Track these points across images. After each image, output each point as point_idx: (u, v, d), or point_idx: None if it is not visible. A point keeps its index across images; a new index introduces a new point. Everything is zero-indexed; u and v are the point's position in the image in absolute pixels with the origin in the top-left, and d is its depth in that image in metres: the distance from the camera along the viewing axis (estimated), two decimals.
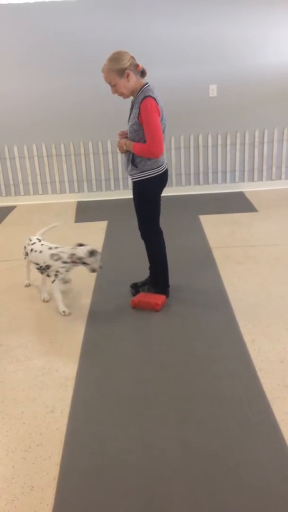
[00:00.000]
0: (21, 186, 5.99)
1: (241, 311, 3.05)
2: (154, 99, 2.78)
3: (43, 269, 3.15)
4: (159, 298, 3.15)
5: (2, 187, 5.98)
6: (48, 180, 5.96)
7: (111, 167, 5.90)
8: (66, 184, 5.98)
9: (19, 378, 2.52)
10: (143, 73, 2.89)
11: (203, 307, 3.13)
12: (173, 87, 5.56)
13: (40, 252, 3.18)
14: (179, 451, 1.96)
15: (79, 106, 5.64)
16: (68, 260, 3.07)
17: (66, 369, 2.57)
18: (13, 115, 5.68)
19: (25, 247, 3.35)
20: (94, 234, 4.67)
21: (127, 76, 2.79)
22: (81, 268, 3.86)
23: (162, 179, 3.01)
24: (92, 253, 3.06)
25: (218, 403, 2.23)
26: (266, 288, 3.33)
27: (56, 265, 3.08)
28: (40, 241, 3.30)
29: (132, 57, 2.82)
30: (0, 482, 1.87)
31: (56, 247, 3.17)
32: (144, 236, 3.11)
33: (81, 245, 3.13)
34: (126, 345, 2.76)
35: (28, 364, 2.64)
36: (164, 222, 3.14)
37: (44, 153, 5.84)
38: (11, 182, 5.96)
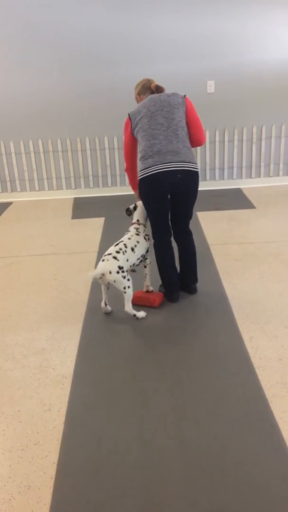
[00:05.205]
0: (17, 182, 5.95)
1: (239, 308, 3.03)
2: (128, 114, 2.98)
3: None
4: (158, 295, 3.14)
5: None
6: (44, 176, 5.93)
7: (108, 163, 5.87)
8: (63, 180, 5.95)
9: (16, 376, 2.50)
10: (158, 89, 3.04)
11: (201, 304, 3.11)
12: (170, 83, 5.48)
13: None
14: (177, 450, 1.95)
15: (76, 101, 5.61)
16: None
17: (63, 367, 2.55)
18: (9, 111, 5.64)
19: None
20: (91, 230, 4.65)
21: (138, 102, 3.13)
22: (79, 265, 3.85)
23: (148, 184, 2.87)
24: None
25: (216, 401, 2.21)
26: (264, 285, 3.32)
27: None
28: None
29: (147, 80, 3.10)
30: None
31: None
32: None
33: None
34: (123, 342, 2.75)
35: (24, 362, 2.62)
36: None
37: (41, 149, 5.80)
38: (7, 178, 5.93)
